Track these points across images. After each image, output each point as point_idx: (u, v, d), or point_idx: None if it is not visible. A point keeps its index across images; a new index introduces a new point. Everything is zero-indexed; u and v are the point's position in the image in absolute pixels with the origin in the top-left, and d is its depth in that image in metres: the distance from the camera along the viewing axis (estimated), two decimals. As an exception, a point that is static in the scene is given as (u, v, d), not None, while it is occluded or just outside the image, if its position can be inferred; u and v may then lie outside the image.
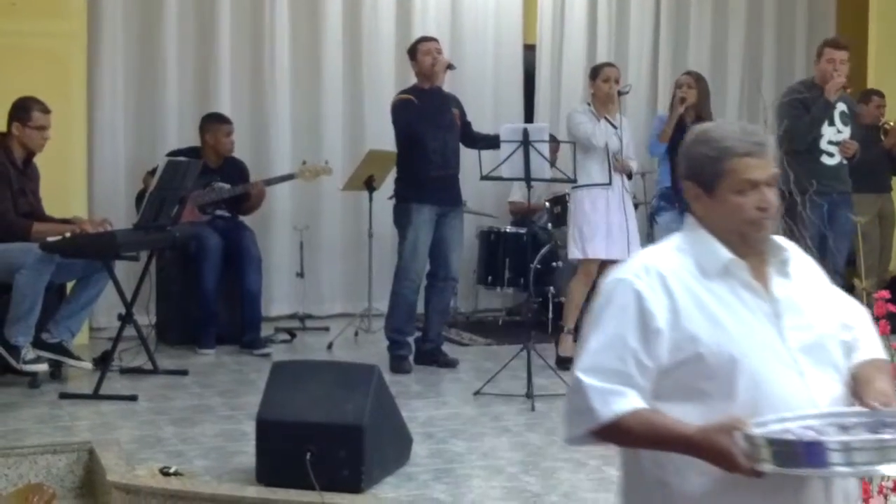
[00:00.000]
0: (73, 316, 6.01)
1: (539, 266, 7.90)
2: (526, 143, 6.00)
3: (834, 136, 6.84)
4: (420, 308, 6.72)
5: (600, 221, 6.61)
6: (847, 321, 2.35)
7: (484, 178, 6.21)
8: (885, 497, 3.16)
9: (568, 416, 2.26)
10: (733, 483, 2.09)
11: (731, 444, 2.04)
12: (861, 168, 7.02)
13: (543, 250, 7.97)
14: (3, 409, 5.37)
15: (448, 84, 6.91)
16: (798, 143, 6.55)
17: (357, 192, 7.93)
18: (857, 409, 2.18)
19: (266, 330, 7.30)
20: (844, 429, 2.10)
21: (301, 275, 7.88)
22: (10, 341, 5.74)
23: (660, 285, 2.22)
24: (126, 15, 7.83)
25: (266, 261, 7.54)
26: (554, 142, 6.77)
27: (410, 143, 6.53)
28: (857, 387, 2.25)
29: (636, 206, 7.46)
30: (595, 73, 6.85)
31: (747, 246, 2.28)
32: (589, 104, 6.81)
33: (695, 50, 9.50)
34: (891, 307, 3.36)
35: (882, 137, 7.94)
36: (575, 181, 6.37)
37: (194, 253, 6.95)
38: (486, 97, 8.84)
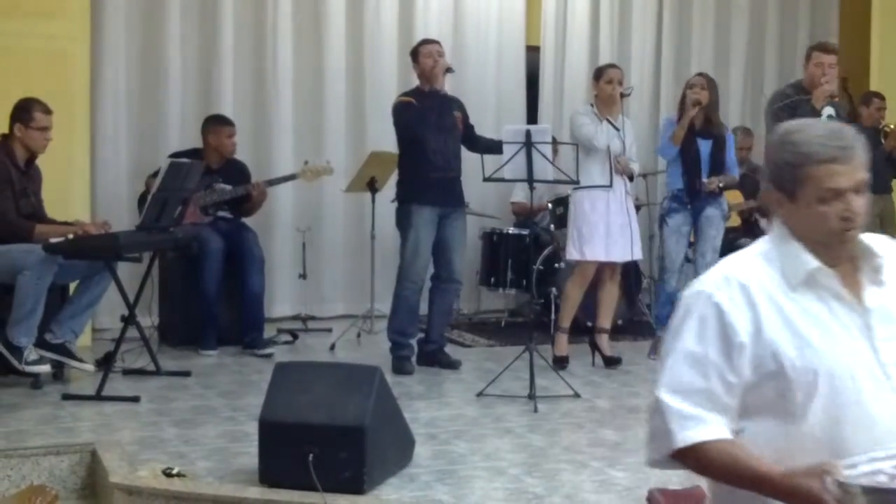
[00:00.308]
0: (75, 317, 6.02)
1: (541, 267, 7.91)
2: (528, 144, 6.01)
3: None
4: (423, 309, 6.73)
5: (600, 223, 6.61)
6: None
7: (486, 179, 6.21)
8: None
9: (649, 437, 2.14)
10: None
11: (821, 491, 1.88)
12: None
13: (546, 251, 7.98)
14: (5, 410, 5.37)
15: (450, 86, 6.91)
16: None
17: (360, 193, 7.94)
18: None
19: (268, 331, 7.31)
20: None
21: (304, 276, 7.89)
22: (12, 342, 5.74)
23: (742, 297, 2.10)
24: (129, 16, 7.83)
25: (269, 262, 7.54)
26: (554, 143, 6.78)
27: (411, 145, 6.54)
28: None
29: (638, 207, 7.47)
30: (598, 74, 6.86)
31: (834, 254, 2.13)
32: (591, 105, 6.82)
33: (697, 51, 9.50)
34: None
35: (882, 140, 7.94)
36: (577, 182, 6.38)
37: (196, 254, 6.95)
38: (489, 99, 8.85)
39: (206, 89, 8.07)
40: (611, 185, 6.61)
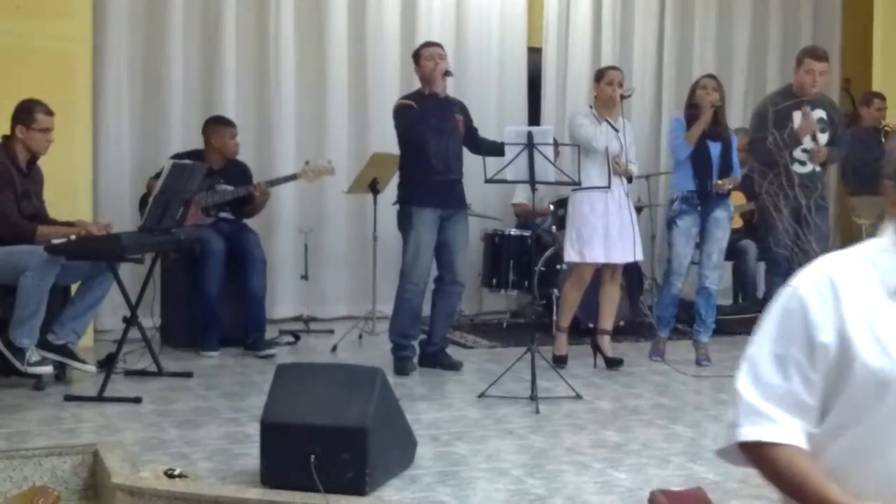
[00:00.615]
0: (77, 318, 6.02)
1: (543, 268, 7.91)
2: (530, 145, 6.01)
3: (808, 143, 6.85)
4: (426, 311, 6.73)
5: (599, 224, 6.61)
6: None
7: (488, 180, 6.21)
8: None
9: (725, 425, 2.08)
10: None
11: None
12: (862, 171, 7.03)
13: (547, 253, 7.98)
14: (7, 411, 5.37)
15: (452, 88, 6.92)
16: (757, 160, 6.97)
17: (362, 195, 7.95)
18: None
19: (270, 332, 7.31)
20: None
21: (305, 277, 7.90)
22: (14, 343, 5.75)
23: (831, 296, 2.00)
24: (131, 17, 7.83)
25: (270, 263, 7.54)
26: (555, 145, 6.78)
27: (411, 148, 6.54)
28: None
29: (639, 209, 7.47)
30: (599, 75, 6.86)
31: None
32: (591, 107, 6.82)
33: (699, 53, 9.51)
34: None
35: (882, 140, 7.94)
36: (579, 184, 6.38)
37: (198, 255, 6.96)
38: (491, 100, 8.85)
39: (209, 90, 8.07)
40: (609, 187, 6.61)
